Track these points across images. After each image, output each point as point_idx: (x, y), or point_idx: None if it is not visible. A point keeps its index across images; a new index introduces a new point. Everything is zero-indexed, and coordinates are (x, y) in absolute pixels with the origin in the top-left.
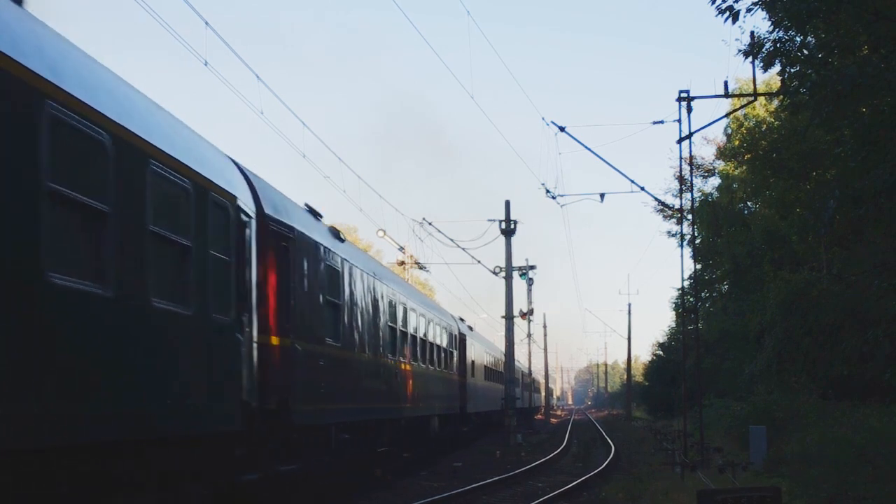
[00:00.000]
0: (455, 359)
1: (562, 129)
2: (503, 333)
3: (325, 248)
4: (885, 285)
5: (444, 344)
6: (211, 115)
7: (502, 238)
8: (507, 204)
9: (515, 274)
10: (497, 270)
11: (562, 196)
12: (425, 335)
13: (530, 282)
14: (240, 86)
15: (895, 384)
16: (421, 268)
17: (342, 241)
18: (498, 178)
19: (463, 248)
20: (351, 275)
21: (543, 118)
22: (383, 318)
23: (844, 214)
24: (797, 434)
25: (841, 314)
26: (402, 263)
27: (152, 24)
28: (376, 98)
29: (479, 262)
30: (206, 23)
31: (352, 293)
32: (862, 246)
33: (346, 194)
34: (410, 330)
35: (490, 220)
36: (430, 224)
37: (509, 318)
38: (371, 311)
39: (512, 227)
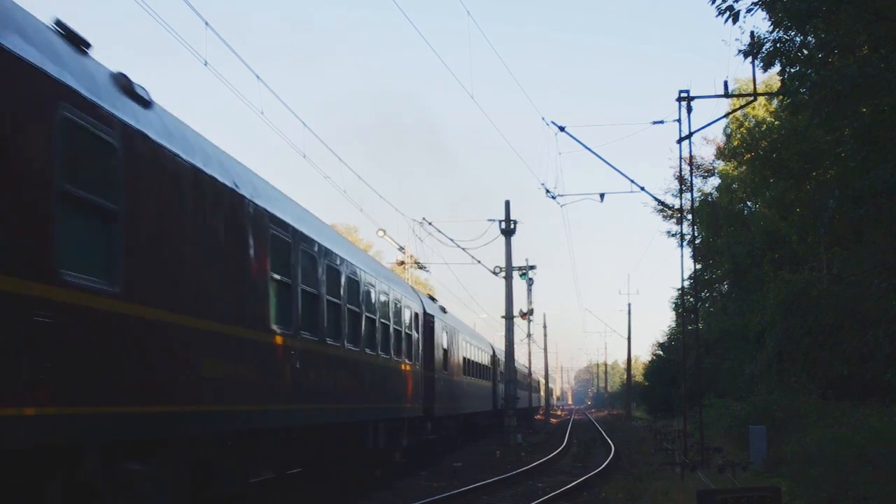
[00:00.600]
0: (417, 345)
1: (562, 129)
2: (503, 333)
3: (64, 87)
4: (885, 285)
5: (398, 323)
6: (211, 115)
7: (502, 238)
8: (507, 204)
9: (515, 274)
10: (497, 270)
11: (562, 196)
12: (361, 305)
13: (530, 282)
14: (240, 86)
15: (895, 384)
16: (421, 268)
17: (146, 104)
18: (498, 178)
19: (463, 248)
20: (158, 164)
21: (543, 118)
22: (259, 263)
23: (844, 214)
24: (797, 434)
25: (841, 314)
26: (402, 263)
27: (152, 24)
28: (375, 97)
29: (479, 262)
30: (206, 23)
31: (161, 198)
32: (862, 246)
33: (346, 194)
34: (327, 293)
35: (490, 220)
36: (430, 224)
37: (509, 318)
38: (223, 242)
39: (512, 227)
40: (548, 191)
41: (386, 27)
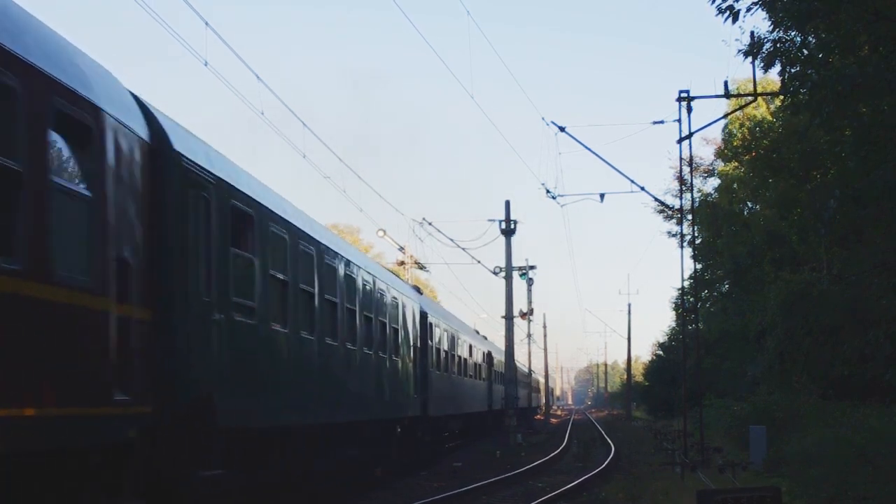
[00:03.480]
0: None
1: (562, 129)
2: (503, 333)
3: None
4: (885, 285)
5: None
6: (211, 115)
7: (502, 238)
8: (507, 204)
9: (515, 274)
10: (497, 270)
11: (562, 196)
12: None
13: (530, 282)
14: (240, 86)
15: (895, 384)
16: (421, 268)
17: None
18: (498, 178)
19: (463, 248)
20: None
21: (543, 118)
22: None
23: (844, 214)
24: (797, 434)
25: (841, 314)
26: (402, 263)
27: (152, 24)
28: (375, 96)
29: (479, 262)
30: (206, 23)
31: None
32: (862, 246)
33: (347, 194)
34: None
35: (490, 220)
36: (430, 224)
37: (509, 318)
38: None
39: (512, 227)
40: (548, 191)
41: (386, 27)
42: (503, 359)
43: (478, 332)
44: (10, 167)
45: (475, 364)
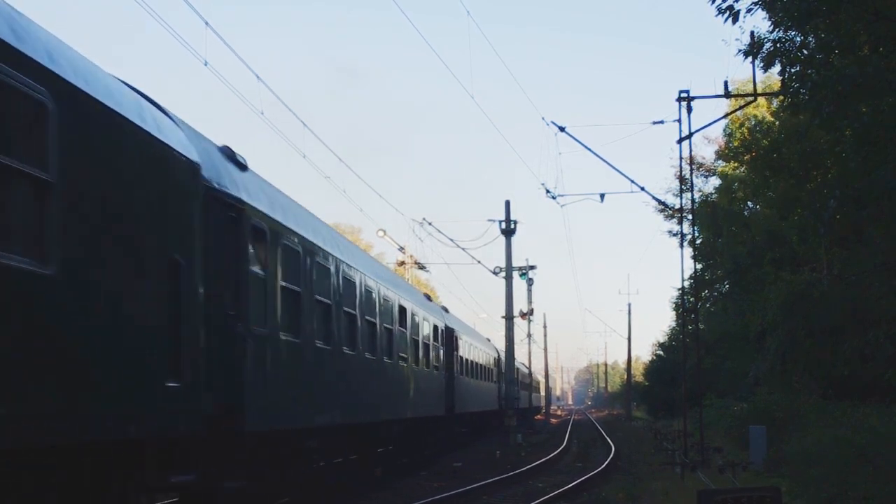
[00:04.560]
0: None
1: (562, 129)
2: (503, 333)
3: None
4: (885, 285)
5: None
6: (211, 115)
7: (502, 238)
8: (507, 204)
9: (515, 274)
10: (497, 270)
11: (562, 196)
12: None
13: (530, 282)
14: (240, 86)
15: (895, 384)
16: (421, 268)
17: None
18: (498, 177)
19: (463, 248)
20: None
21: (543, 118)
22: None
23: (844, 214)
24: (797, 434)
25: (842, 315)
26: (402, 263)
27: (152, 24)
28: (374, 96)
29: (479, 262)
30: (206, 23)
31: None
32: (862, 246)
33: (346, 194)
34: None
35: (490, 220)
36: (430, 224)
37: (509, 318)
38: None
39: (512, 227)
40: (548, 191)
41: (386, 27)
42: (477, 341)
43: (430, 298)
44: None
45: (418, 342)
